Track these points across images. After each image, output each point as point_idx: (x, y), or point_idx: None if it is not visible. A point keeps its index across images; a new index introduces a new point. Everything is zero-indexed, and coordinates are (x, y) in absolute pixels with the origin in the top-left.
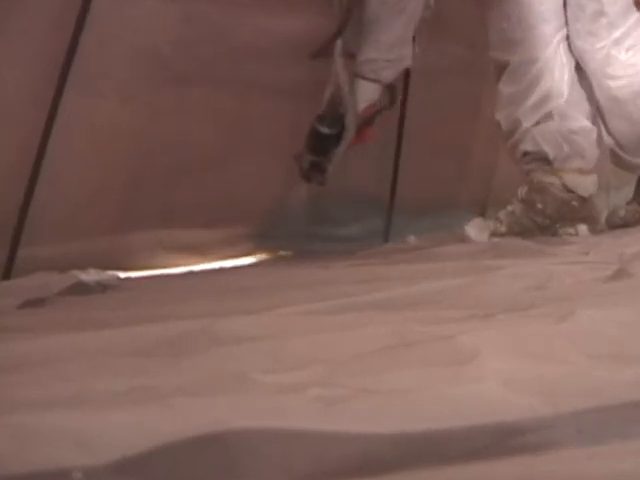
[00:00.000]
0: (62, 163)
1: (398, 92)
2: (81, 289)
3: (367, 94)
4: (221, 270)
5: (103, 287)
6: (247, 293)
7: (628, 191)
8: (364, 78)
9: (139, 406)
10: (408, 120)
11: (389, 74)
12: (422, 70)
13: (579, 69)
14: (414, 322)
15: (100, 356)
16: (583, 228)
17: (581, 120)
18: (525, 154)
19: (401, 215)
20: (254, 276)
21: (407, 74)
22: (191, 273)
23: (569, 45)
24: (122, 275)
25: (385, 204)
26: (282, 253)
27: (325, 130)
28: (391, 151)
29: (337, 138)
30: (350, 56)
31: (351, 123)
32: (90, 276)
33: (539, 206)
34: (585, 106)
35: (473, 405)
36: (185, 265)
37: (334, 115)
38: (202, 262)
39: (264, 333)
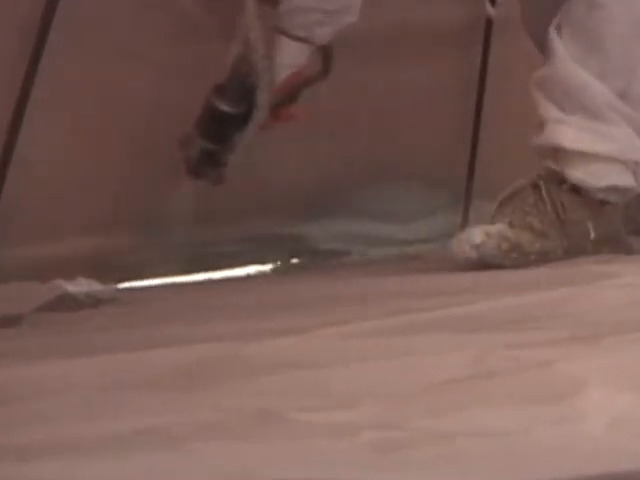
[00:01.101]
0: (41, 145)
1: (333, 56)
2: (68, 303)
3: (291, 58)
4: (239, 280)
5: (96, 300)
6: (278, 309)
7: None
8: (288, 35)
9: (145, 453)
10: (490, 82)
11: (325, 32)
12: (505, 20)
13: None
14: (500, 345)
15: (95, 390)
16: None
17: None
18: None
19: (478, 209)
20: (281, 288)
21: (488, 25)
22: (202, 283)
23: None
24: (119, 286)
25: (456, 194)
26: (295, 261)
27: (226, 108)
28: (467, 123)
29: (243, 119)
30: (270, 1)
31: (264, 99)
32: (79, 286)
33: None
34: None
35: (575, 452)
36: (191, 274)
37: (240, 87)
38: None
39: (304, 360)
